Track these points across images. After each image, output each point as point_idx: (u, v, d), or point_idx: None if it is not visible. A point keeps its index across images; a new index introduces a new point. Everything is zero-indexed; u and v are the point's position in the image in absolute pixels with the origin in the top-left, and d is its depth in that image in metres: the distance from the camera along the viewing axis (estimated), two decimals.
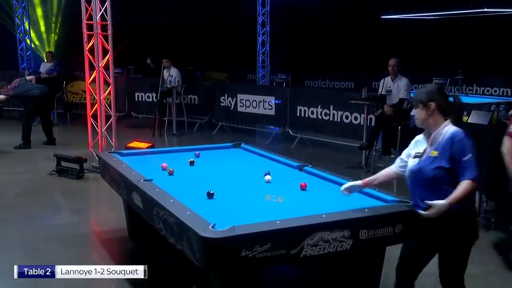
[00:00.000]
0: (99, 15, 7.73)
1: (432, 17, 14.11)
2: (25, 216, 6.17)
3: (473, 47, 14.65)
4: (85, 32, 7.88)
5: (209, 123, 12.46)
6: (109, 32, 7.85)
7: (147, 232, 4.62)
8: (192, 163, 5.04)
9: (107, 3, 7.74)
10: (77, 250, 5.17)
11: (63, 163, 8.03)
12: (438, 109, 3.34)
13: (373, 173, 8.14)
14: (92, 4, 7.70)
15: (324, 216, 3.35)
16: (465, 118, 6.16)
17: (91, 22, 7.78)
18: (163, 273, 4.53)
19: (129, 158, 5.25)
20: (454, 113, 3.40)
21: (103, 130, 8.04)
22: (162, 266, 4.61)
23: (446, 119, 3.36)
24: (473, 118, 5.79)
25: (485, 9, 11.25)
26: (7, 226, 5.81)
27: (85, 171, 7.92)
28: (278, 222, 3.22)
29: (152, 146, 8.16)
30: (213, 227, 3.11)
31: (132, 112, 13.70)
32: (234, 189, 4.29)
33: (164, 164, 4.91)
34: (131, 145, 8.25)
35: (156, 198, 3.75)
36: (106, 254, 5.08)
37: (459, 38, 15.07)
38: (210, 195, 3.90)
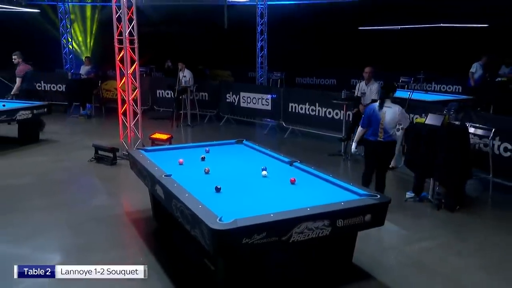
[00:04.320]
0: (128, 31, 7.71)
1: (399, 28, 14.11)
2: (71, 198, 6.18)
3: (432, 52, 14.80)
4: (116, 45, 7.86)
5: (217, 115, 12.43)
6: (136, 45, 7.83)
7: (167, 216, 4.69)
8: (203, 159, 5.10)
9: (134, 22, 7.72)
10: (112, 228, 5.19)
11: (99, 152, 8.09)
12: None
13: (351, 160, 8.26)
14: (122, 23, 7.69)
15: (308, 209, 3.43)
16: (422, 120, 6.22)
17: (121, 37, 7.77)
18: (181, 250, 4.59)
19: (152, 154, 5.30)
20: None
21: (131, 125, 8.08)
22: (179, 244, 4.67)
23: None
24: (429, 120, 5.83)
25: (442, 25, 11.25)
26: (56, 208, 5.77)
27: (117, 158, 7.99)
28: (271, 215, 3.30)
29: (171, 137, 8.16)
30: (220, 219, 3.19)
31: (154, 106, 13.67)
32: (237, 183, 4.33)
33: (181, 160, 4.97)
34: (153, 136, 8.15)
35: (174, 192, 3.81)
36: (135, 232, 5.08)
37: (421, 46, 15.24)
38: (217, 190, 3.96)
